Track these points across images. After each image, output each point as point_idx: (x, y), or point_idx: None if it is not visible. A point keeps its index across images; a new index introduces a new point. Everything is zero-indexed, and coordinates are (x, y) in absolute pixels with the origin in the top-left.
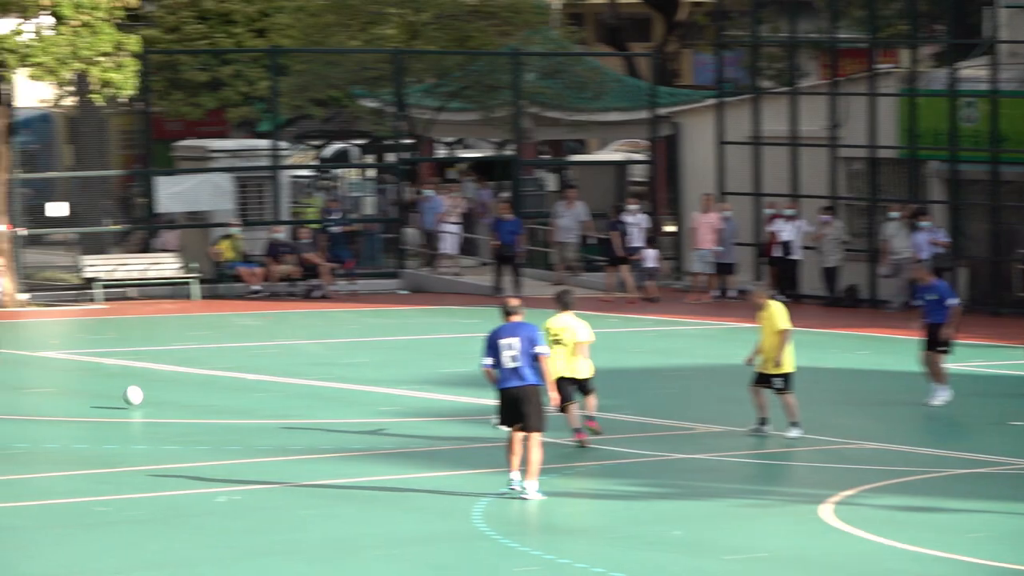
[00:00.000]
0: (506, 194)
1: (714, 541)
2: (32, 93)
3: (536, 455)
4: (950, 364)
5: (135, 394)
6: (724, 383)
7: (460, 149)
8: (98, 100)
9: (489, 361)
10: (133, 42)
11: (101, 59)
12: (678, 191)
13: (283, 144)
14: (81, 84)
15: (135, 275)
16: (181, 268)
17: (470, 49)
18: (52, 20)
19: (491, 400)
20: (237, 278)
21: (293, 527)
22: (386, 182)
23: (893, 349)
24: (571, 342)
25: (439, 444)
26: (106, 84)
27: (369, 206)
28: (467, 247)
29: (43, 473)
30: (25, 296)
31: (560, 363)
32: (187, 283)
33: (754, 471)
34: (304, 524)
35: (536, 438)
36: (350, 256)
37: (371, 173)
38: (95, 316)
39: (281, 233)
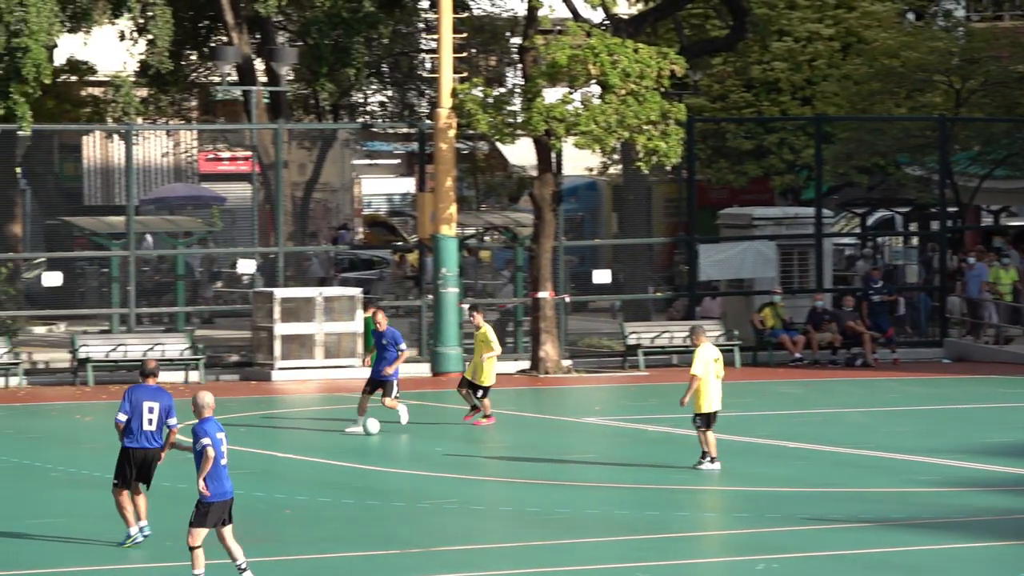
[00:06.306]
0: None
1: None
2: (578, 161)
3: (144, 502)
4: None
5: (373, 425)
6: None
7: (1006, 217)
8: (643, 168)
9: (123, 417)
10: (679, 111)
11: (647, 127)
12: None
13: (827, 212)
14: (626, 152)
15: (678, 342)
16: (723, 335)
17: (1018, 116)
18: (599, 89)
19: None
20: (779, 346)
21: None
22: (930, 250)
23: None
24: None
25: (978, 514)
26: (652, 152)
27: (913, 275)
28: (1014, 316)
29: (585, 539)
30: (568, 363)
31: None
32: (729, 351)
33: None
34: None
35: (144, 495)
36: (890, 324)
37: (915, 241)
38: (637, 383)
39: (823, 301)
